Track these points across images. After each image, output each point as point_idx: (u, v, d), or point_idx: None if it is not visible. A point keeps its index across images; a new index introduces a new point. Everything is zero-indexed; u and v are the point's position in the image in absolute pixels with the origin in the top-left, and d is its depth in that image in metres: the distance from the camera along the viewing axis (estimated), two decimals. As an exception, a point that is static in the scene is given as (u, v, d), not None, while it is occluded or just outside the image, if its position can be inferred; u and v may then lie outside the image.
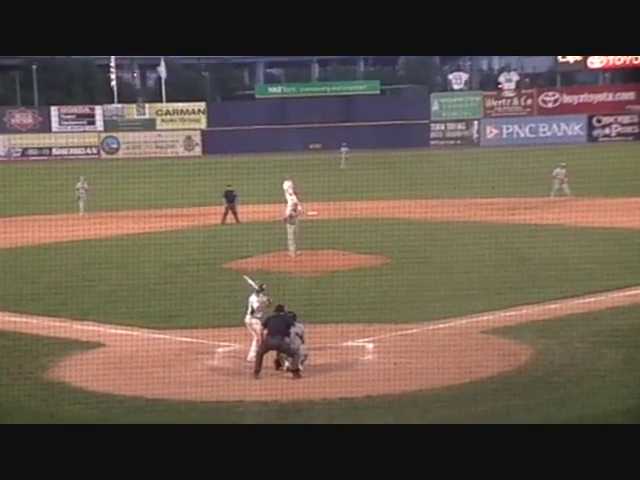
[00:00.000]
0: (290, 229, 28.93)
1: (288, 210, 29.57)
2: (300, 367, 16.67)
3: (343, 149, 62.84)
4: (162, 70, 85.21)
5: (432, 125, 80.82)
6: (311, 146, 76.72)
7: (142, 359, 17.50)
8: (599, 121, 75.92)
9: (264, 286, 17.95)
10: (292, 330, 16.76)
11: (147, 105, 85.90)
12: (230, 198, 37.16)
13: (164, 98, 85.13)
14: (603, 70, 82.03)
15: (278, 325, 16.78)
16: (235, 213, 37.11)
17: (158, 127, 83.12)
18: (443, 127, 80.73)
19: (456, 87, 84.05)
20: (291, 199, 37.80)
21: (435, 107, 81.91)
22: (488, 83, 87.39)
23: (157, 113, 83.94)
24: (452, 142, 78.60)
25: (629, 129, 75.22)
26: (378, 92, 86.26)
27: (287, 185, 39.34)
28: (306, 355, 16.89)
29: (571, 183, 40.62)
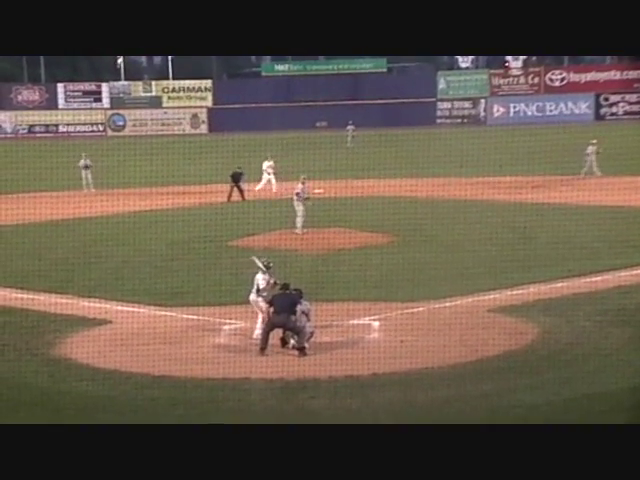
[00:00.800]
0: (300, 207, 28.83)
1: (299, 188, 29.35)
2: (306, 345, 16.70)
3: (349, 127, 62.64)
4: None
5: (439, 103, 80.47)
6: (317, 124, 76.50)
7: (148, 336, 17.55)
8: (606, 99, 75.54)
9: (271, 264, 17.95)
10: (298, 308, 16.78)
11: (153, 82, 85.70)
12: (236, 178, 37.16)
13: (170, 75, 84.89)
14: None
15: (284, 303, 16.78)
16: (241, 191, 37.08)
17: (164, 105, 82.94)
18: (450, 105, 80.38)
19: (463, 65, 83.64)
20: (268, 178, 38.50)
21: (442, 85, 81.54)
22: (495, 61, 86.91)
23: (163, 91, 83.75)
24: (459, 120, 78.29)
25: (636, 107, 74.84)
26: (385, 70, 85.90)
27: (266, 165, 39.64)
28: (312, 332, 16.91)
29: (586, 162, 40.33)
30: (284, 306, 16.75)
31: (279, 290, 17.23)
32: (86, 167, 41.27)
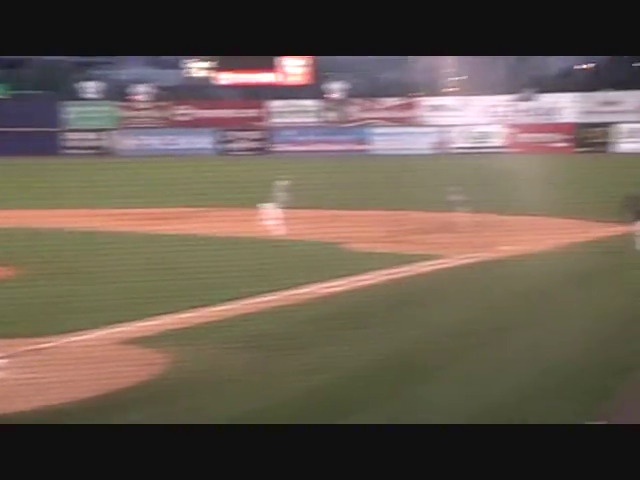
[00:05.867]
0: None
1: None
2: None
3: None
4: None
5: (68, 134, 79.11)
6: None
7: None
8: (227, 136, 79.07)
9: None
10: None
11: None
12: None
13: None
14: (234, 86, 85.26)
15: None
16: None
17: None
18: (79, 136, 79.34)
19: (91, 96, 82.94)
20: None
21: (69, 115, 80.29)
22: (124, 94, 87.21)
23: None
24: (89, 151, 77.46)
25: (256, 144, 79.05)
26: (6, 97, 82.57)
27: None
28: None
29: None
30: None
31: None
32: None
